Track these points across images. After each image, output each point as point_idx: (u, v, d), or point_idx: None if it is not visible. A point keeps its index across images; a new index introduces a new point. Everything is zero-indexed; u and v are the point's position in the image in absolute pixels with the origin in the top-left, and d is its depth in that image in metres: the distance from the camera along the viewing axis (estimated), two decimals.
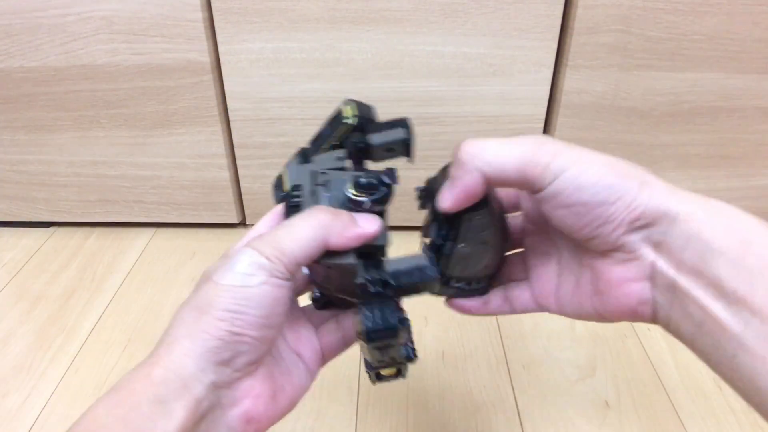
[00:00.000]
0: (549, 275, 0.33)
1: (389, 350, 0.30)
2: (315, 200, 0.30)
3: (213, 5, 0.68)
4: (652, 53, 0.69)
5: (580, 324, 0.68)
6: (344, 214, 0.29)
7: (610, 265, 0.28)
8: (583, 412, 0.57)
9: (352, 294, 0.30)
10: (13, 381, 0.61)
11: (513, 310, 0.34)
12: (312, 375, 0.33)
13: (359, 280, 0.29)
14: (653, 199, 0.26)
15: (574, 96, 0.72)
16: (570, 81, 0.71)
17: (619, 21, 0.67)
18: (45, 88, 0.74)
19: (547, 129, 0.77)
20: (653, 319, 0.28)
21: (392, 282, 0.30)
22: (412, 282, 0.31)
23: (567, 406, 0.57)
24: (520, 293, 0.34)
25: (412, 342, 0.31)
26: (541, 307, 0.34)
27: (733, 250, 0.24)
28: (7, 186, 0.83)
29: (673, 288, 0.26)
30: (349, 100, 0.34)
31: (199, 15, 0.68)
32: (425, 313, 0.70)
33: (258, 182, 0.81)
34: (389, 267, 0.30)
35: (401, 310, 0.30)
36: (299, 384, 0.31)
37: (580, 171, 0.26)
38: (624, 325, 0.68)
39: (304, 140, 0.84)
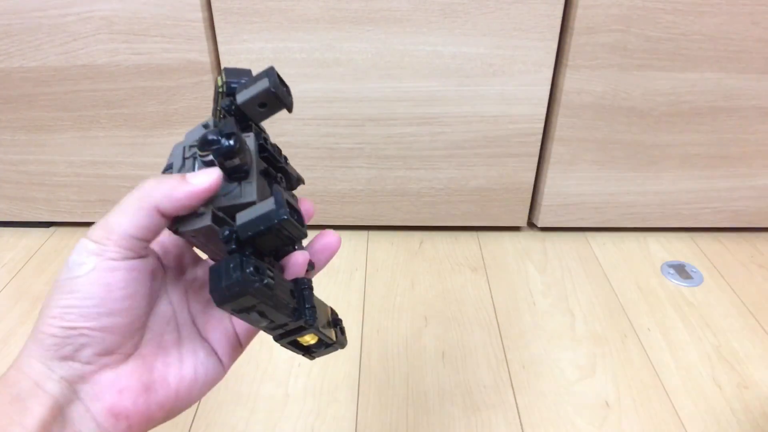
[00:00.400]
0: None
1: (262, 314, 0.26)
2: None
3: (213, 5, 0.68)
4: (652, 53, 0.69)
5: (580, 324, 0.68)
6: (173, 177, 0.27)
7: None
8: (583, 412, 0.57)
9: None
10: None
11: None
12: (223, 362, 0.31)
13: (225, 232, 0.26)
14: None
15: (574, 96, 0.72)
16: (570, 81, 0.71)
17: (619, 21, 0.67)
18: (45, 88, 0.74)
19: (547, 129, 0.77)
20: None
21: (240, 234, 0.26)
22: (262, 230, 0.26)
23: (567, 406, 0.57)
24: None
25: (305, 303, 0.28)
26: None
27: None
28: (7, 186, 0.83)
29: None
30: (223, 68, 0.32)
31: (199, 15, 0.68)
32: (425, 313, 0.70)
33: None
34: (239, 219, 0.27)
35: (246, 264, 0.25)
36: (197, 374, 0.29)
37: None
38: (624, 325, 0.68)
39: (304, 140, 0.84)
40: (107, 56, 0.71)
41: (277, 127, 0.75)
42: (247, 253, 0.26)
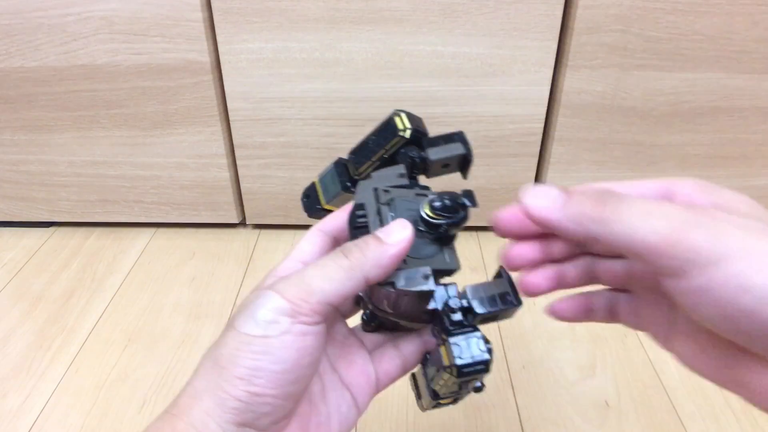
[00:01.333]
0: (666, 325, 0.26)
1: (470, 383, 0.28)
2: (380, 220, 0.28)
3: (213, 5, 0.68)
4: (652, 53, 0.69)
5: (580, 324, 0.68)
6: (372, 245, 0.25)
7: (764, 369, 0.22)
8: (583, 412, 0.57)
9: (418, 319, 0.29)
10: (13, 381, 0.61)
11: (618, 321, 0.29)
12: (360, 409, 0.30)
13: (435, 306, 0.27)
14: None
15: (574, 96, 0.72)
16: (570, 81, 0.71)
17: (619, 21, 0.67)
18: (45, 88, 0.74)
19: (547, 129, 0.77)
20: None
21: (478, 310, 0.28)
22: (496, 310, 0.28)
23: (567, 406, 0.57)
24: (630, 312, 0.28)
25: None
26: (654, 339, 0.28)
27: None
28: (7, 186, 0.83)
29: None
30: (399, 110, 0.32)
31: (199, 15, 0.68)
32: None
33: (258, 182, 0.81)
34: (469, 293, 0.28)
35: (488, 341, 0.27)
36: (340, 428, 0.29)
37: (748, 265, 0.19)
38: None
39: (304, 140, 0.84)
40: (107, 56, 0.71)
41: (277, 127, 0.75)
42: (477, 328, 0.28)
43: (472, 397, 0.58)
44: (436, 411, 0.57)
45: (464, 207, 0.28)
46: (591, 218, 0.22)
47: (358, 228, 0.28)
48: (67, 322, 0.69)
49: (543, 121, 0.75)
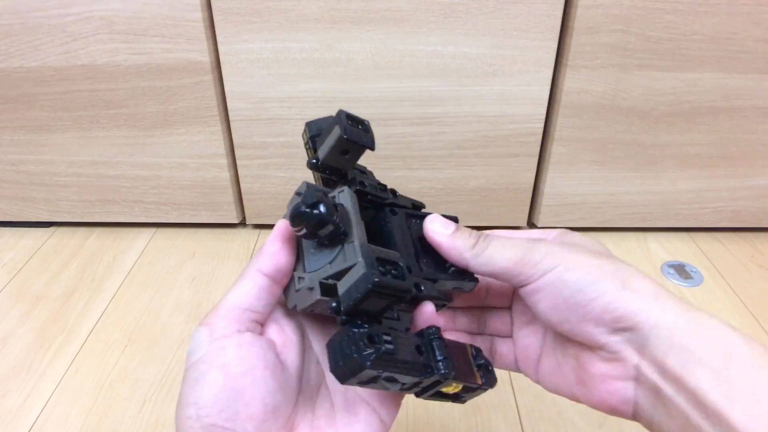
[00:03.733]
0: (533, 346, 0.33)
1: (391, 380, 0.25)
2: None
3: (213, 5, 0.68)
4: (652, 53, 0.69)
5: None
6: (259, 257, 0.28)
7: (594, 360, 0.28)
8: (583, 412, 0.57)
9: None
10: (13, 381, 0.61)
11: (495, 364, 0.34)
12: (386, 422, 0.29)
13: (335, 305, 0.25)
14: (633, 304, 0.26)
15: (574, 96, 0.72)
16: (570, 81, 0.71)
17: (619, 21, 0.67)
18: (45, 88, 0.74)
19: (547, 129, 0.77)
20: (634, 417, 0.28)
21: (343, 304, 0.25)
22: (361, 297, 0.25)
23: (567, 406, 0.57)
24: (505, 351, 0.35)
25: (437, 356, 0.27)
26: (520, 371, 0.34)
27: (715, 362, 0.24)
28: (7, 186, 0.83)
29: (656, 392, 0.26)
30: (306, 123, 0.31)
31: (199, 15, 0.68)
32: None
33: (258, 182, 0.81)
34: (340, 288, 0.26)
35: (370, 330, 0.25)
36: None
37: (566, 269, 0.27)
38: None
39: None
40: (107, 56, 0.71)
41: (277, 128, 0.75)
42: (359, 322, 0.25)
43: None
44: (437, 412, 0.57)
45: (317, 203, 0.25)
46: (466, 249, 0.30)
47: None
48: (67, 322, 0.69)
49: (543, 121, 0.75)
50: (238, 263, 0.79)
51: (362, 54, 0.70)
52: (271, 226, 0.96)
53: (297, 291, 0.27)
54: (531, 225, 0.86)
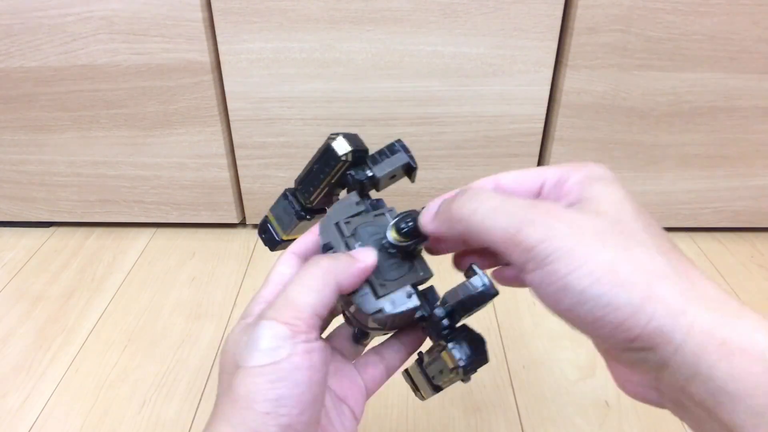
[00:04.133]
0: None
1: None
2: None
3: (213, 5, 0.68)
4: (652, 53, 0.69)
5: None
6: (341, 255, 0.28)
7: (614, 359, 0.25)
8: (583, 412, 0.57)
9: (406, 326, 0.32)
10: (13, 381, 0.61)
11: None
12: (358, 418, 0.31)
13: (422, 312, 0.29)
14: (653, 321, 0.21)
15: (574, 96, 0.72)
16: (570, 81, 0.71)
17: (619, 21, 0.67)
18: (45, 88, 0.74)
19: (547, 129, 0.77)
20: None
21: (459, 315, 0.30)
22: (475, 306, 0.30)
23: (567, 406, 0.57)
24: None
25: None
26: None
27: (756, 399, 0.19)
28: (7, 186, 0.83)
29: (682, 407, 0.22)
30: (334, 134, 0.32)
31: (199, 15, 0.68)
32: None
33: (258, 182, 0.81)
34: (449, 298, 0.30)
35: (478, 336, 0.30)
36: None
37: (568, 269, 0.21)
38: None
39: (304, 140, 0.84)
40: (107, 56, 0.71)
41: (277, 127, 0.75)
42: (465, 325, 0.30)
43: (473, 396, 0.58)
44: (437, 412, 0.57)
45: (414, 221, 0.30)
46: (454, 219, 0.25)
47: None
48: (67, 322, 0.69)
49: (543, 121, 0.75)
50: (238, 263, 0.79)
51: (362, 54, 0.70)
52: None
53: (381, 296, 0.29)
54: None
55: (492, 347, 0.65)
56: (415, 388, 0.34)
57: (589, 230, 0.22)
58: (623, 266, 0.21)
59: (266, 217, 0.36)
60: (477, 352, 0.30)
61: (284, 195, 0.35)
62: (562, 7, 0.67)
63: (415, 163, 0.34)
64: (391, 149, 0.34)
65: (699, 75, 0.71)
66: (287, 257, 0.31)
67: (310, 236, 0.32)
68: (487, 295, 0.28)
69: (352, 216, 0.32)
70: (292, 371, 0.24)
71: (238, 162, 0.79)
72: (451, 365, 0.30)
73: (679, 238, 0.84)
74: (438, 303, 0.30)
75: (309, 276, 0.26)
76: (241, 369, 0.25)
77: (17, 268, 0.79)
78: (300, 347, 0.25)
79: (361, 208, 0.32)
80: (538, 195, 0.28)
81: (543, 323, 0.68)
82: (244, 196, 0.82)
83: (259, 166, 0.79)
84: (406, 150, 0.34)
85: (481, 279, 0.28)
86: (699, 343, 0.20)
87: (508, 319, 0.69)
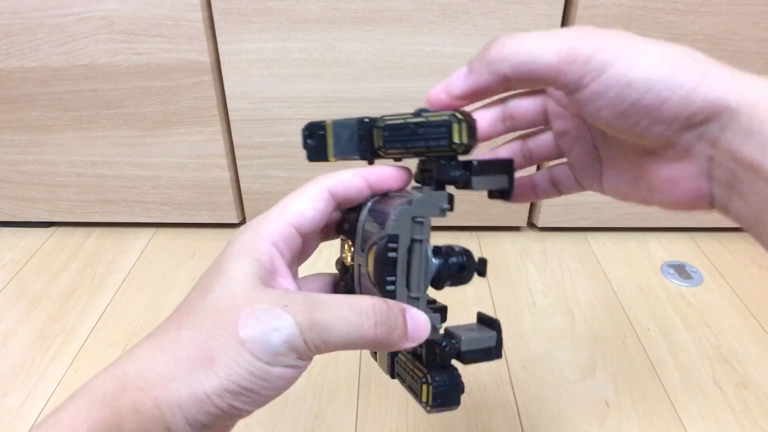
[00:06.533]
0: (590, 163, 0.31)
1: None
2: (407, 275, 0.27)
3: (213, 5, 0.68)
4: None
5: (580, 324, 0.68)
6: (399, 322, 0.26)
7: (662, 163, 0.26)
8: (583, 412, 0.57)
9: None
10: (13, 381, 0.61)
11: (560, 193, 0.33)
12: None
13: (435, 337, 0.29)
14: (712, 92, 0.23)
15: None
16: None
17: (619, 21, 0.67)
18: (45, 88, 0.74)
19: None
20: (711, 208, 0.26)
21: (464, 360, 0.30)
22: (479, 360, 0.31)
23: (567, 406, 0.57)
24: (563, 176, 0.33)
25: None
26: (586, 189, 0.33)
27: None
28: (7, 186, 0.83)
29: (731, 182, 0.24)
30: (459, 116, 0.27)
31: (199, 15, 0.68)
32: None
33: (258, 182, 0.81)
34: (463, 343, 0.30)
35: (460, 379, 0.30)
36: None
37: (629, 65, 0.23)
38: (624, 325, 0.68)
39: None
40: (107, 56, 0.71)
41: (277, 127, 0.75)
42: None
43: (472, 397, 0.58)
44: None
45: (465, 268, 0.29)
46: (495, 62, 0.26)
47: (387, 262, 0.26)
48: (67, 322, 0.69)
49: None
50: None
51: (362, 54, 0.70)
52: None
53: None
54: (531, 225, 0.86)
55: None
56: (374, 354, 0.35)
57: (634, 38, 0.24)
58: (675, 56, 0.24)
59: (324, 123, 0.30)
60: (450, 399, 0.29)
61: (360, 121, 0.30)
62: (562, 7, 0.67)
63: (512, 190, 0.31)
64: (501, 166, 0.30)
65: None
66: (317, 192, 0.28)
67: (357, 180, 0.29)
68: (492, 355, 0.30)
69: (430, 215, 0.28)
70: (278, 379, 0.24)
71: (238, 162, 0.79)
72: (423, 399, 0.29)
73: (679, 238, 0.84)
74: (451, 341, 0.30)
75: (356, 327, 0.24)
76: (232, 332, 0.23)
77: (17, 268, 0.79)
78: (299, 363, 0.24)
79: (444, 215, 0.29)
80: None
81: (543, 323, 0.68)
82: (244, 196, 0.82)
83: (259, 166, 0.79)
84: (511, 175, 0.31)
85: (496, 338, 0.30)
86: (751, 105, 0.23)
87: (508, 319, 0.69)
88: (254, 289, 0.25)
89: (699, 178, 0.25)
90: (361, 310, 0.24)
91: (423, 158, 0.30)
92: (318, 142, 0.31)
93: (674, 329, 0.67)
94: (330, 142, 0.30)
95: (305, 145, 0.31)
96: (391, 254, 0.26)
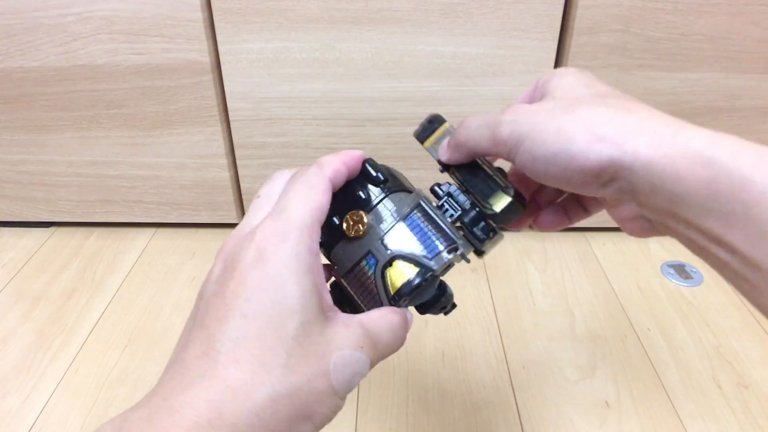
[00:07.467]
0: (574, 203, 0.35)
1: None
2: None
3: (213, 5, 0.68)
4: (652, 53, 0.69)
5: (580, 324, 0.68)
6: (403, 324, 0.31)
7: (611, 208, 0.29)
8: (583, 412, 0.57)
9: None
10: (13, 381, 0.61)
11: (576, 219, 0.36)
12: None
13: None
14: (603, 154, 0.25)
15: None
16: None
17: (619, 21, 0.67)
18: (45, 88, 0.74)
19: None
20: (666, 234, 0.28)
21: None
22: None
23: (567, 406, 0.57)
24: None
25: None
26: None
27: (701, 192, 0.23)
28: (7, 186, 0.83)
29: (665, 226, 0.26)
30: (512, 193, 0.32)
31: (199, 15, 0.68)
32: (425, 315, 0.70)
33: (258, 182, 0.81)
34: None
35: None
36: None
37: (532, 143, 0.27)
38: (624, 325, 0.68)
39: (304, 140, 0.84)
40: (107, 56, 0.71)
41: (277, 127, 0.75)
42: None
43: (472, 397, 0.58)
44: (437, 412, 0.57)
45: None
46: (459, 146, 0.32)
47: (415, 298, 0.34)
48: (67, 322, 0.69)
49: None
50: None
51: (362, 54, 0.70)
52: None
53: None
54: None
55: (492, 347, 0.65)
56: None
57: (542, 113, 0.27)
58: (568, 126, 0.26)
59: (445, 121, 0.36)
60: (432, 303, 0.35)
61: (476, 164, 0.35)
62: (562, 7, 0.67)
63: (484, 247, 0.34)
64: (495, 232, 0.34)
65: (699, 75, 0.71)
66: (324, 183, 0.32)
67: (342, 167, 0.33)
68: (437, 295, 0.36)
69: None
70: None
71: (238, 162, 0.79)
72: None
73: None
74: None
75: (393, 340, 0.29)
76: (326, 382, 0.25)
77: (17, 268, 0.79)
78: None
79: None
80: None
81: (543, 323, 0.68)
82: (244, 196, 0.82)
83: (259, 166, 0.79)
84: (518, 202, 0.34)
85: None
86: (647, 161, 0.24)
87: (508, 319, 0.69)
88: (327, 325, 0.26)
89: (638, 219, 0.28)
90: (398, 327, 0.30)
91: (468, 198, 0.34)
92: (430, 129, 0.36)
93: (674, 329, 0.67)
94: (434, 137, 0.36)
95: (423, 124, 0.36)
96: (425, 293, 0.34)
